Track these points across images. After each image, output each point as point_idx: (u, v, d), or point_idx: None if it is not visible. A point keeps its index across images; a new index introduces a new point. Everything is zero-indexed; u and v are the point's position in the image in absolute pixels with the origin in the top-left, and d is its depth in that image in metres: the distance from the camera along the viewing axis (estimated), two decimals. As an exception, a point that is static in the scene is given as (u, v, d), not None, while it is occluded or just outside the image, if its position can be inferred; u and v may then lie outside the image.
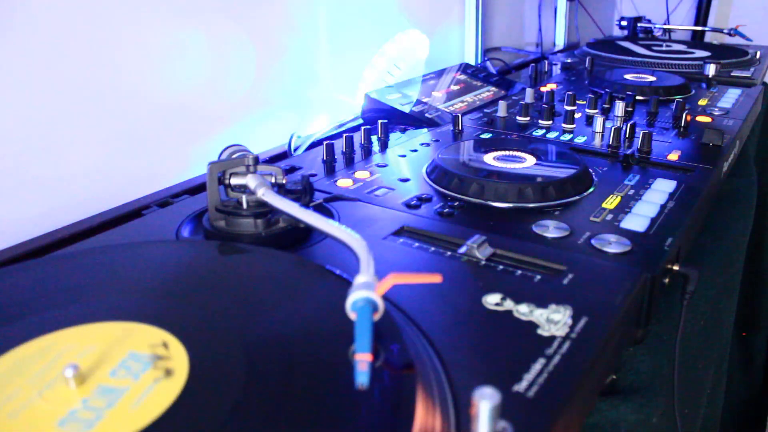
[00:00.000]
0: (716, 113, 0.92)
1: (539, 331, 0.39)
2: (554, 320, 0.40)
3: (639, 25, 1.60)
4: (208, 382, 0.32)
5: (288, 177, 0.64)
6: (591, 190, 0.62)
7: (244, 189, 0.51)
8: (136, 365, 0.34)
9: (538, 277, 0.46)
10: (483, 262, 0.48)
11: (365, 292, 0.34)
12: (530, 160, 0.67)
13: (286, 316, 0.39)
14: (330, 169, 0.70)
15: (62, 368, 0.32)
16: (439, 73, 1.08)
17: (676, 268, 0.51)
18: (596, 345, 0.38)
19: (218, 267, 0.46)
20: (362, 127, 0.77)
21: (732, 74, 1.17)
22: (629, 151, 0.71)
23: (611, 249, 0.50)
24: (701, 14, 1.88)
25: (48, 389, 0.32)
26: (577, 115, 0.88)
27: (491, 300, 0.42)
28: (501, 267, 0.47)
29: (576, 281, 0.45)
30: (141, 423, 0.29)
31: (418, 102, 0.92)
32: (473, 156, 0.68)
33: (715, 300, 0.68)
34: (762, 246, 1.22)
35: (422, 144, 0.78)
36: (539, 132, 0.84)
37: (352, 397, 0.31)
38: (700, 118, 0.89)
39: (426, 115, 0.89)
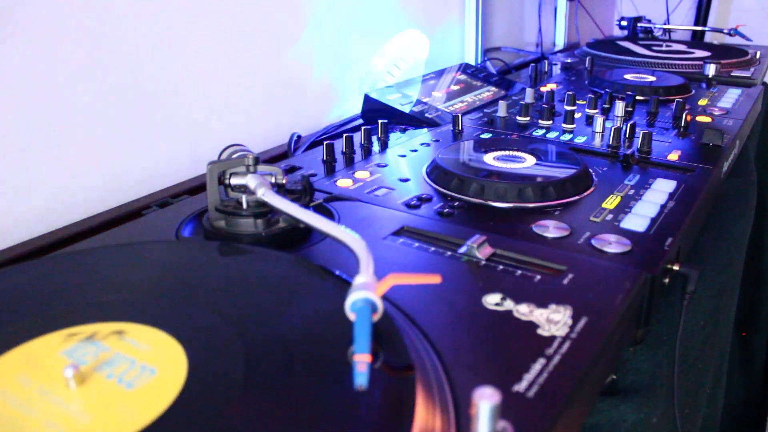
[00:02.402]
0: (716, 113, 0.92)
1: (539, 331, 0.39)
2: (554, 320, 0.40)
3: (639, 25, 1.60)
4: (207, 382, 0.32)
5: (288, 177, 0.64)
6: (591, 190, 0.62)
7: (244, 189, 0.51)
8: (136, 365, 0.34)
9: (538, 277, 0.46)
10: (483, 262, 0.48)
11: (364, 292, 0.34)
12: (530, 160, 0.67)
13: (285, 316, 0.39)
14: (330, 169, 0.70)
15: (62, 368, 0.32)
16: (439, 73, 1.08)
17: (676, 268, 0.51)
18: (596, 345, 0.38)
19: (218, 267, 0.46)
20: (362, 127, 0.77)
21: (732, 74, 1.17)
22: (629, 151, 0.71)
23: (611, 249, 0.50)
24: (701, 14, 1.88)
25: (49, 389, 0.32)
26: (577, 115, 0.88)
27: (491, 300, 0.42)
28: (501, 267, 0.47)
29: (576, 281, 0.45)
30: (140, 423, 0.29)
31: (418, 102, 0.92)
32: (473, 156, 0.68)
33: (715, 300, 0.68)
34: (762, 246, 1.23)
35: (422, 144, 0.78)
36: (539, 132, 0.84)
37: (352, 397, 0.31)
38: (700, 118, 0.89)
39: (426, 115, 0.89)
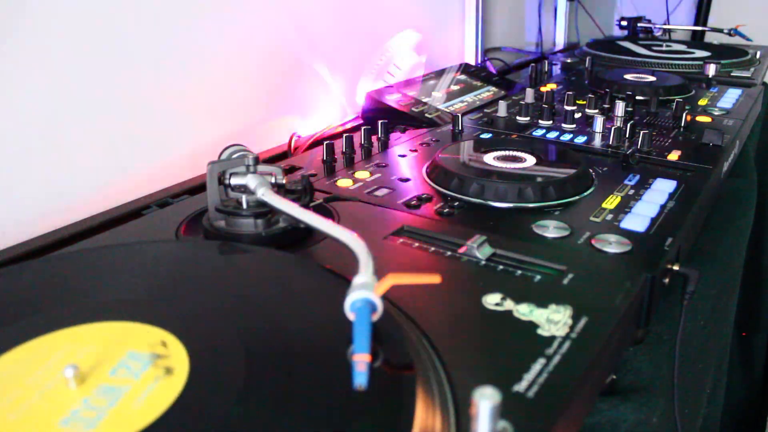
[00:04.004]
0: (716, 113, 0.92)
1: (539, 331, 0.39)
2: (554, 320, 0.40)
3: (639, 25, 1.60)
4: (209, 381, 0.32)
5: (288, 177, 0.64)
6: (591, 190, 0.62)
7: (244, 189, 0.51)
8: (136, 365, 0.34)
9: (538, 277, 0.46)
10: (483, 262, 0.48)
11: (364, 292, 0.34)
12: (530, 160, 0.67)
13: (285, 316, 0.39)
14: (330, 169, 0.70)
15: (62, 368, 0.32)
16: (439, 73, 1.08)
17: (676, 268, 0.51)
18: (596, 345, 0.38)
19: (218, 267, 0.46)
20: (362, 127, 0.77)
21: (732, 74, 1.17)
22: (629, 151, 0.71)
23: (611, 249, 0.50)
24: (701, 14, 1.88)
25: (48, 389, 0.32)
26: (577, 115, 0.88)
27: (491, 300, 0.42)
28: (501, 267, 0.47)
29: (576, 281, 0.45)
30: (142, 422, 0.29)
31: (418, 102, 0.92)
32: (473, 156, 0.68)
33: (715, 300, 0.68)
34: (762, 246, 1.22)
35: (422, 144, 0.78)
36: (539, 132, 0.84)
37: (352, 397, 0.31)
38: (700, 118, 0.89)
39: (426, 115, 0.89)
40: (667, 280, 0.50)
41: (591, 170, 0.67)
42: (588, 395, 0.39)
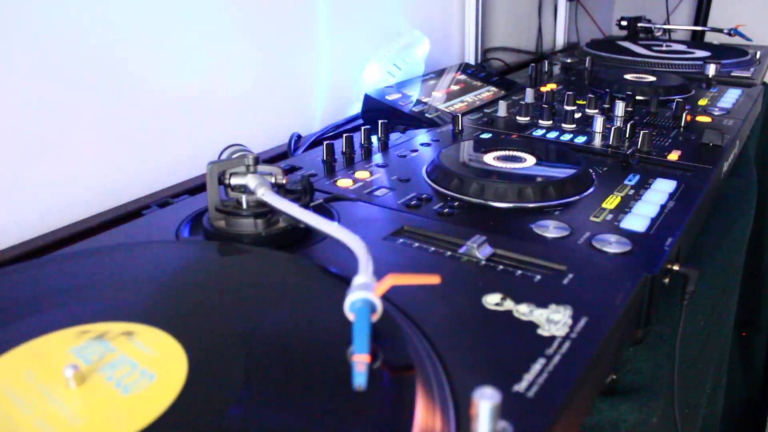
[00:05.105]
0: (716, 113, 0.92)
1: (539, 331, 0.39)
2: (554, 320, 0.40)
3: (639, 25, 1.60)
4: (207, 382, 0.32)
5: (288, 177, 0.64)
6: (591, 190, 0.62)
7: (244, 189, 0.51)
8: (136, 365, 0.34)
9: (538, 277, 0.46)
10: (483, 262, 0.48)
11: (363, 292, 0.34)
12: (530, 160, 0.67)
13: (285, 316, 0.39)
14: (330, 169, 0.70)
15: (62, 368, 0.32)
16: (439, 73, 1.08)
17: (676, 268, 0.51)
18: (596, 345, 0.38)
19: (218, 267, 0.46)
20: (362, 127, 0.77)
21: (732, 74, 1.17)
22: (629, 151, 0.71)
23: (611, 249, 0.50)
24: (701, 14, 1.88)
25: (48, 389, 0.32)
26: (577, 115, 0.88)
27: (491, 300, 0.42)
28: (501, 267, 0.47)
29: (576, 281, 0.45)
30: (141, 423, 0.29)
31: (418, 102, 0.92)
32: (473, 156, 0.68)
33: (715, 300, 0.68)
34: (762, 246, 1.22)
35: (422, 144, 0.78)
36: (539, 132, 0.84)
37: (352, 397, 0.31)
38: (700, 118, 0.89)
39: (426, 115, 0.89)
40: (667, 280, 0.50)
41: (591, 170, 0.67)
42: (588, 395, 0.39)
